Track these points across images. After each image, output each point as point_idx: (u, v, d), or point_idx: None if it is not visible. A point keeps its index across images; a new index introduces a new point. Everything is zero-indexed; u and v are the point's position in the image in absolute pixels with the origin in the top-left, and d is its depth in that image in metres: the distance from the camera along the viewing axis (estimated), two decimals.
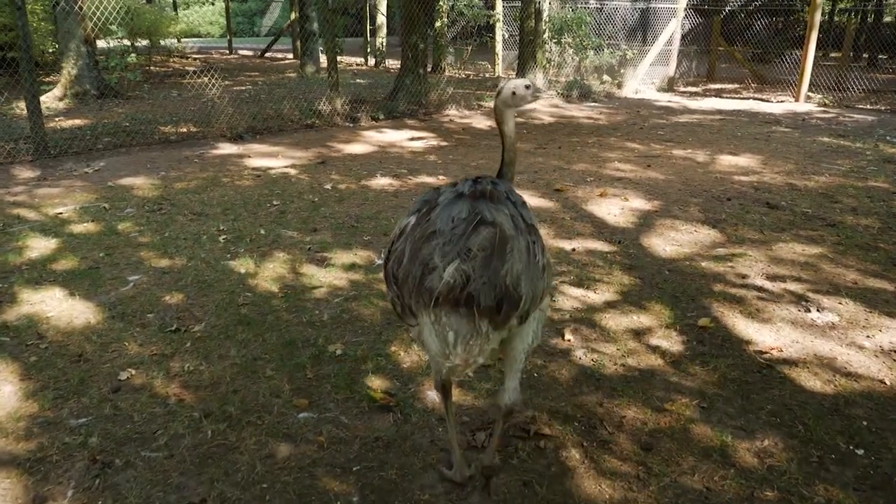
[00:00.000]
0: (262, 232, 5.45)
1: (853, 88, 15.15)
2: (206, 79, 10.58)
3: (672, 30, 15.78)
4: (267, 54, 23.24)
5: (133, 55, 11.01)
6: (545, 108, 13.09)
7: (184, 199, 6.35)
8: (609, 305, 4.29)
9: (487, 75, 18.32)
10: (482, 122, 11.29)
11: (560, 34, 14.14)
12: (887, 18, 29.04)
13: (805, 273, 4.91)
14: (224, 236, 5.31)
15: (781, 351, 3.79)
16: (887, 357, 3.75)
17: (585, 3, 16.10)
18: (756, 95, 15.88)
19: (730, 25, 19.50)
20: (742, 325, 4.06)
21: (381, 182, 7.15)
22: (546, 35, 13.99)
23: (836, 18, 29.94)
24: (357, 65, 20.93)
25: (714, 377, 3.47)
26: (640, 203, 6.59)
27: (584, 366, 3.55)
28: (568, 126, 11.13)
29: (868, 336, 3.98)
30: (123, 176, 7.23)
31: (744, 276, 4.81)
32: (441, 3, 17.00)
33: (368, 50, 20.74)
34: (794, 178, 7.72)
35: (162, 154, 8.38)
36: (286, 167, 7.77)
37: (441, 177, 7.38)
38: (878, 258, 5.22)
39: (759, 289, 4.61)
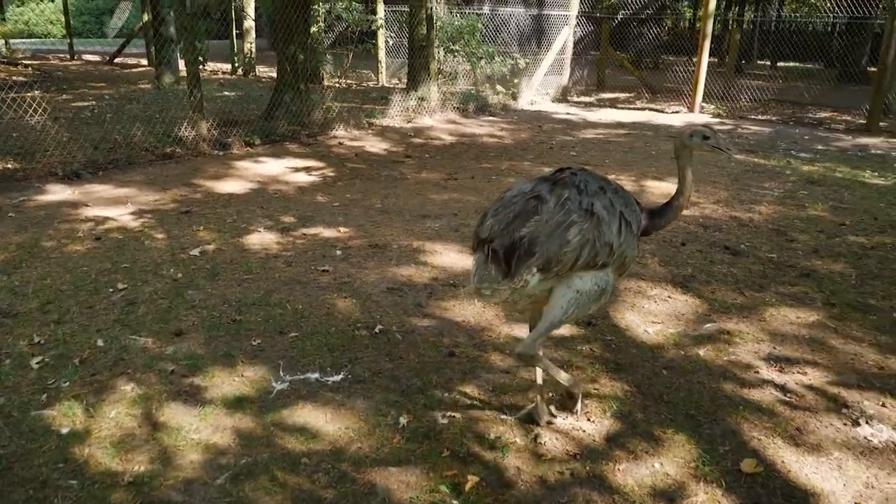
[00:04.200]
0: (100, 343, 3.79)
1: (742, 98, 15.11)
2: (34, 93, 8.46)
3: (565, 38, 15.07)
4: (117, 60, 20.49)
5: None
6: (442, 124, 11.87)
7: None
8: (613, 444, 3.07)
9: (371, 84, 16.87)
10: (376, 145, 9.88)
11: (452, 42, 12.98)
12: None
13: (819, 356, 3.95)
14: (39, 357, 3.60)
15: None
16: None
17: (479, 9, 15.08)
18: (650, 106, 15.50)
19: (620, 34, 19.22)
20: (794, 463, 2.98)
21: (266, 239, 5.59)
22: (437, 43, 12.78)
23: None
24: (223, 73, 18.80)
25: None
26: None
27: None
28: (472, 147, 9.97)
29: None
30: None
31: (755, 370, 3.77)
32: (317, 6, 15.38)
33: (236, 60, 18.64)
34: (734, 210, 6.95)
35: None
36: (137, 219, 6.02)
37: (342, 228, 5.92)
38: (881, 323, 4.39)
39: (782, 389, 3.58)
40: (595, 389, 3.51)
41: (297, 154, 9.02)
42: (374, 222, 6.11)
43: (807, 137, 11.83)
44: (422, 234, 5.82)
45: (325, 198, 6.91)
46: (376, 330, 4.04)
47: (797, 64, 25.92)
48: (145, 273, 4.78)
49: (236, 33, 18.78)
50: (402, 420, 3.17)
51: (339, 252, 5.31)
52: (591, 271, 2.78)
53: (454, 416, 3.21)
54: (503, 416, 3.23)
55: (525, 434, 3.11)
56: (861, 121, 13.02)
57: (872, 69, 17.39)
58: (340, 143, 9.81)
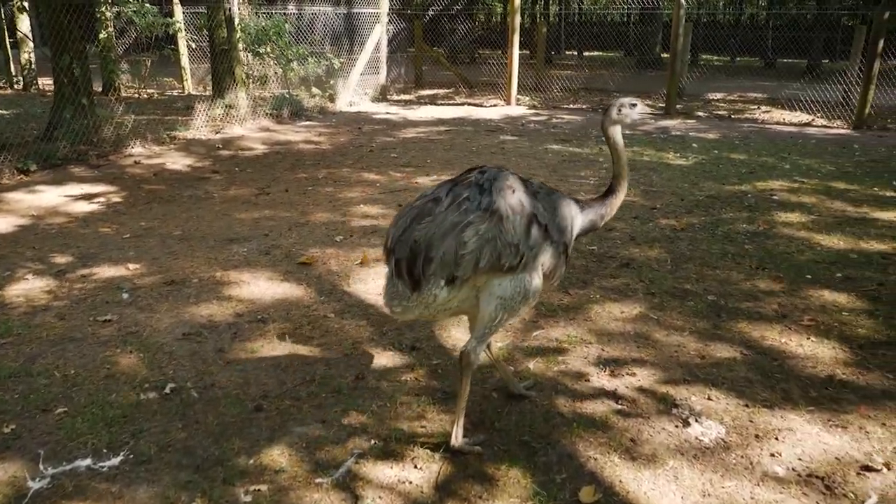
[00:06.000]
0: None
1: (554, 88, 15.66)
2: None
3: (378, 36, 14.77)
4: None
5: None
6: (254, 133, 11.09)
7: None
8: (444, 492, 2.73)
9: (176, 93, 15.58)
10: (178, 161, 8.95)
11: (258, 44, 12.18)
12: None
13: (645, 352, 3.90)
14: None
15: None
16: (812, 489, 2.79)
17: (284, 9, 14.33)
18: (469, 101, 15.64)
19: (433, 30, 19.28)
20: (632, 482, 2.81)
21: (34, 288, 4.70)
22: (241, 46, 11.94)
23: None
24: None
25: None
26: None
27: None
28: (288, 156, 9.34)
29: (772, 454, 3.00)
30: None
31: (585, 378, 3.62)
32: (104, 9, 13.84)
33: (13, 72, 16.40)
34: None
35: None
36: None
37: (131, 264, 5.14)
38: (698, 308, 4.46)
39: (614, 396, 3.45)
40: (422, 427, 3.16)
41: (83, 179, 7.91)
42: (171, 253, 5.38)
43: None
44: (227, 262, 5.20)
45: (113, 229, 6.03)
46: (167, 390, 3.42)
47: (600, 53, 27.65)
48: None
49: (10, 42, 16.55)
50: None
51: (125, 295, 4.56)
52: (505, 276, 2.66)
53: (259, 490, 2.72)
54: (318, 480, 2.79)
55: (344, 498, 2.69)
56: (661, 104, 13.92)
57: (666, 55, 18.77)
58: (137, 162, 8.77)
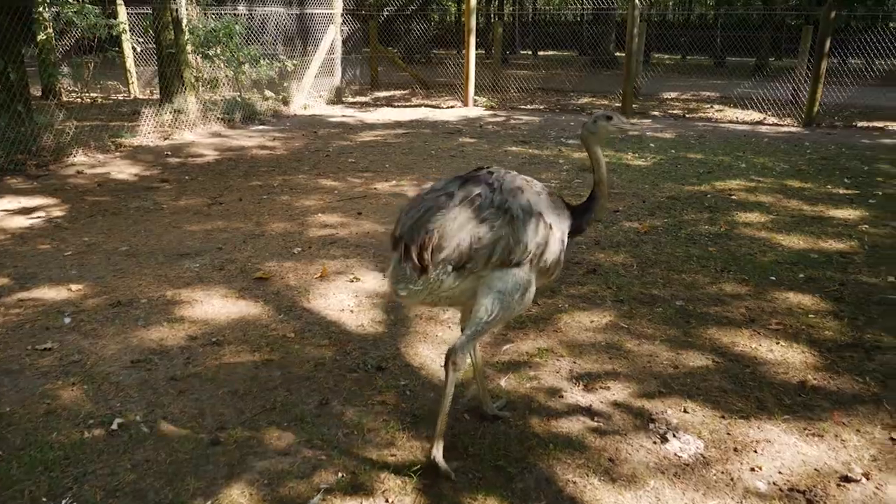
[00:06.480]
0: None
1: (511, 89, 15.61)
2: None
3: (332, 37, 14.48)
4: None
5: None
6: (205, 139, 10.71)
7: None
8: None
9: (121, 97, 15.00)
10: (124, 170, 8.55)
11: (207, 46, 11.79)
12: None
13: (617, 363, 3.80)
14: None
15: None
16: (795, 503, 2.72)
17: (234, 10, 13.93)
18: (426, 102, 15.47)
19: (388, 30, 19.08)
20: None
21: None
22: (190, 48, 11.54)
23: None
24: None
25: None
26: (375, 282, 4.97)
27: None
28: (241, 163, 9.03)
29: (752, 468, 2.92)
30: None
31: (559, 393, 3.50)
32: (42, 10, 13.24)
33: None
34: None
35: None
36: None
37: (74, 284, 4.82)
38: (667, 315, 4.40)
39: (589, 412, 3.33)
40: (392, 456, 2.99)
41: (21, 191, 7.47)
42: (117, 271, 5.07)
43: (573, 124, 12.41)
44: (178, 279, 4.92)
45: (53, 245, 5.67)
46: (114, 426, 3.17)
47: (555, 52, 27.82)
48: None
49: None
50: None
51: (67, 319, 4.26)
52: (508, 270, 2.76)
53: None
54: None
55: None
56: (617, 104, 13.99)
57: (620, 54, 18.93)
58: (79, 172, 8.34)
